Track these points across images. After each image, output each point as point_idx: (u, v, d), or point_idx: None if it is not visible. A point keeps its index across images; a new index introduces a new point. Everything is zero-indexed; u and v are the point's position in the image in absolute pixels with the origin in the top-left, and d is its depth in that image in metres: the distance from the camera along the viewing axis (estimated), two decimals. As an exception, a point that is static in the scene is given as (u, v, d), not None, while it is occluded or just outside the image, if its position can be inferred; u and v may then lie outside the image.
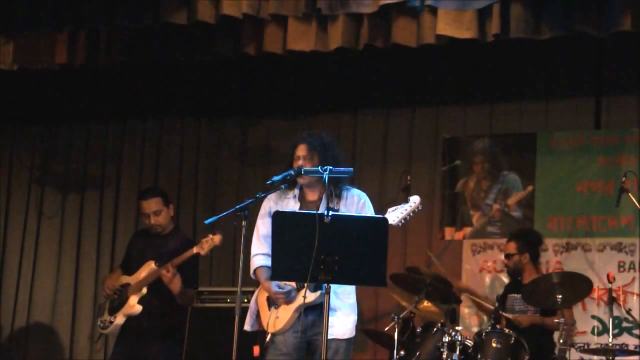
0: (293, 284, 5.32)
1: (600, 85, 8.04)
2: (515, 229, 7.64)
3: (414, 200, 5.25)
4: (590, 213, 7.86)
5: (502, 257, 7.39)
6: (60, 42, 7.57)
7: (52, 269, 9.10)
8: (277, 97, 8.79)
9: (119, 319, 6.50)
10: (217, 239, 6.24)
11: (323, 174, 4.95)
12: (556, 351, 6.42)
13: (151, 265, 6.46)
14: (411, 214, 5.21)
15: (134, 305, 6.46)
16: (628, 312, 7.30)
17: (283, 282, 5.32)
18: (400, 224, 5.17)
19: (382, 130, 8.54)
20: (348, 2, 6.70)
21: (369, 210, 5.37)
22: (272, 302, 5.41)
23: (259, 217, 5.49)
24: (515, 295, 7.06)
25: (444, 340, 6.40)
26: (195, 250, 6.29)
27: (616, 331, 7.41)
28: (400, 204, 5.24)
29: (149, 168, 9.08)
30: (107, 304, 6.65)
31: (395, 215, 5.16)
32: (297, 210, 5.29)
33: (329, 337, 4.76)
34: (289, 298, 5.30)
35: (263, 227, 5.41)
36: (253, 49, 7.29)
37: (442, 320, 6.68)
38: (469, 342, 6.49)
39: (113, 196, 9.10)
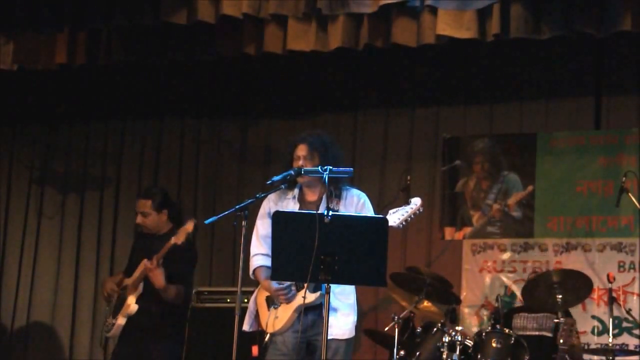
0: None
1: (600, 85, 8.03)
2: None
3: (415, 202, 5.25)
4: (590, 213, 7.86)
5: (502, 257, 7.36)
6: (60, 42, 7.58)
7: (52, 269, 9.09)
8: (277, 97, 8.78)
9: (120, 320, 6.48)
10: (189, 225, 6.20)
11: (323, 174, 4.94)
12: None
13: (144, 264, 6.47)
14: (412, 216, 5.21)
15: (130, 304, 6.45)
16: (628, 312, 7.30)
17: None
18: (401, 226, 5.17)
19: (382, 130, 8.52)
20: (348, 2, 6.70)
21: (368, 211, 5.37)
22: (271, 302, 5.40)
23: (258, 217, 5.49)
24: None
25: (444, 340, 6.39)
26: (172, 240, 6.24)
27: (616, 331, 7.41)
28: (401, 206, 5.24)
29: (149, 168, 9.06)
30: (111, 307, 6.66)
31: (396, 217, 5.16)
32: (297, 211, 5.29)
33: (329, 337, 4.75)
34: (289, 294, 5.30)
35: (262, 228, 5.41)
36: (253, 49, 7.30)
37: (442, 320, 6.67)
38: (469, 342, 6.49)
39: (113, 196, 9.09)
